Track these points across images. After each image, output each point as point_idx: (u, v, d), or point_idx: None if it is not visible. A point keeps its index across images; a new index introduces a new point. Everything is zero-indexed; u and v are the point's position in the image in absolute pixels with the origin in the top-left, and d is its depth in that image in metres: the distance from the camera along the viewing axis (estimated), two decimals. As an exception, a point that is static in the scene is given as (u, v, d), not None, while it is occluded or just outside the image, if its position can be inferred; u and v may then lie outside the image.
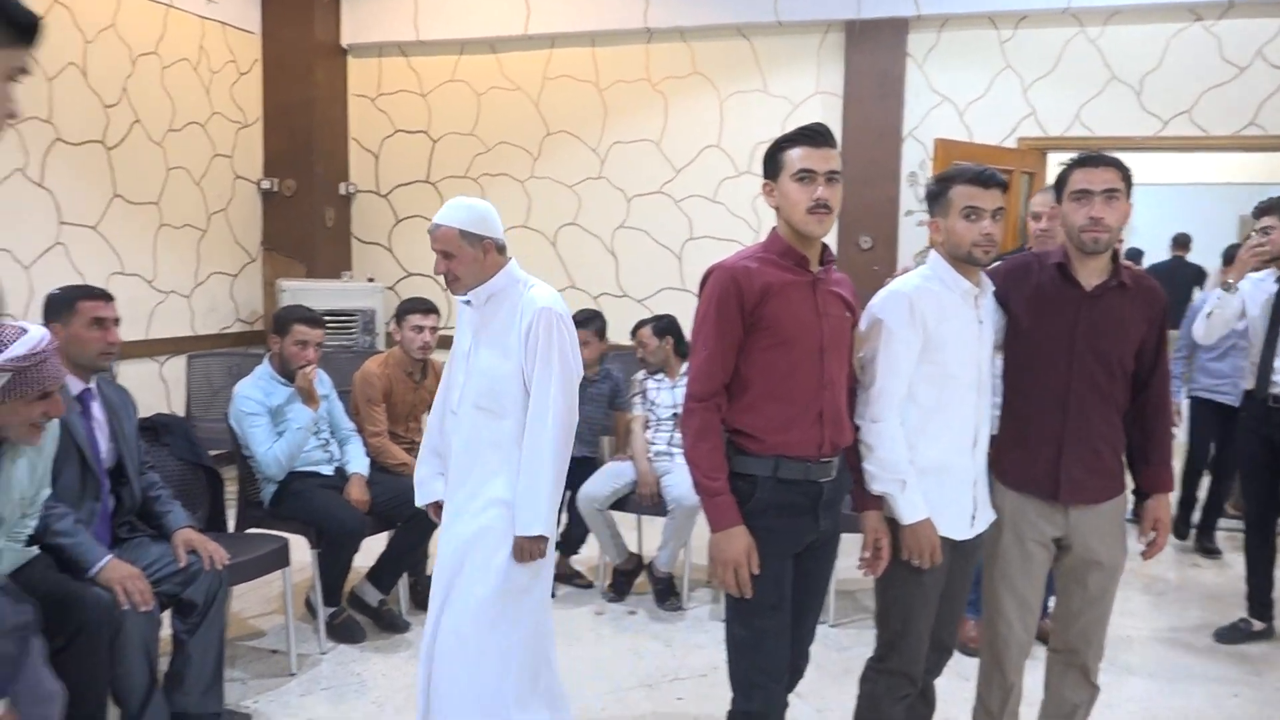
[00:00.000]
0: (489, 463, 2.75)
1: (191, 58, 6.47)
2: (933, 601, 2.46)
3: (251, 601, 4.32)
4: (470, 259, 2.74)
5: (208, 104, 6.63)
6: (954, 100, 6.23)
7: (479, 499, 2.75)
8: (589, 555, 4.71)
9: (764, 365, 2.29)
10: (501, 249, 2.80)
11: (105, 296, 3.08)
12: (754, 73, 6.56)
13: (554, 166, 6.99)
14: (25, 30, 1.38)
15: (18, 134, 5.31)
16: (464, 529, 2.76)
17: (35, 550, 2.67)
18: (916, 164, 6.26)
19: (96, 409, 3.08)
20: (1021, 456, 2.58)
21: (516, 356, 2.72)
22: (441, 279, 2.83)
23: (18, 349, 2.28)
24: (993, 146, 6.03)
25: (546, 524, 2.72)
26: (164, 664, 3.05)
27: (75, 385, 3.00)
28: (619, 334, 6.81)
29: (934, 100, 6.26)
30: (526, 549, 2.70)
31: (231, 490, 3.89)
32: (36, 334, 2.34)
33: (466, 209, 2.77)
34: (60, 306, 3.02)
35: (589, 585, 4.63)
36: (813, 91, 6.45)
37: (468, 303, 2.85)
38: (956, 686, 3.18)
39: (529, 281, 2.82)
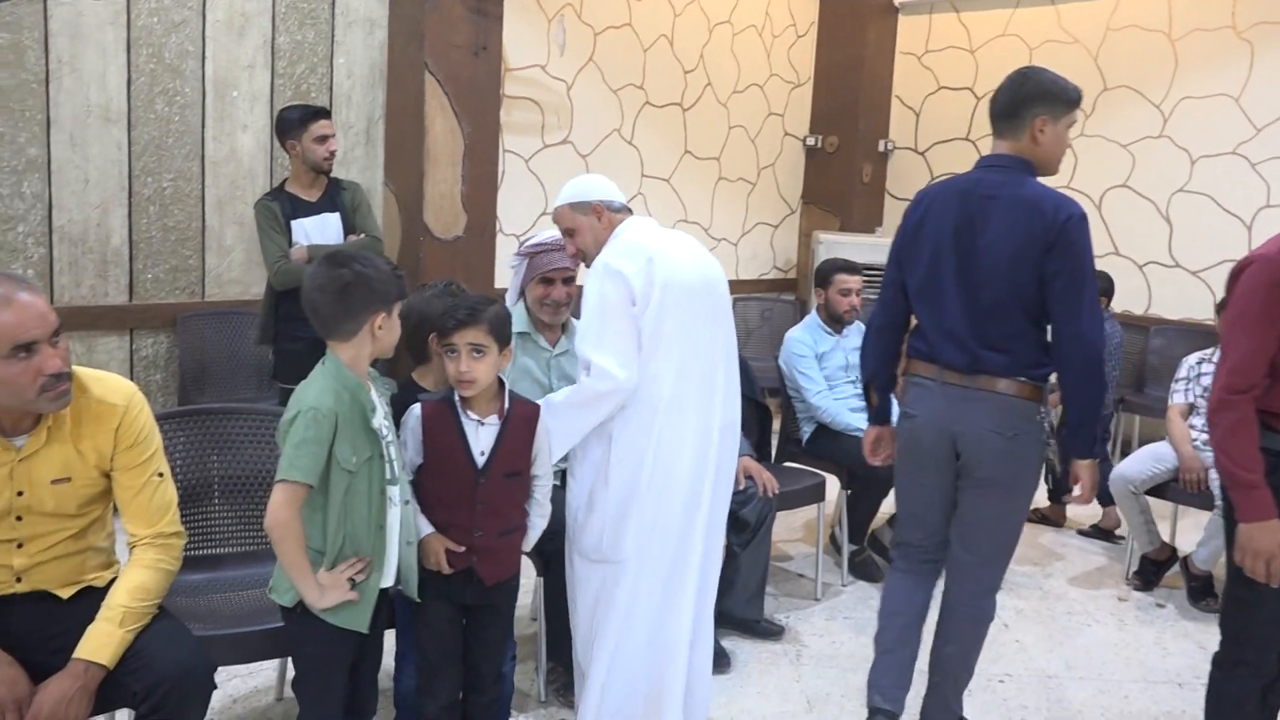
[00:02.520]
0: None
1: (758, 23, 7.03)
2: None
3: (779, 528, 4.77)
4: (586, 228, 2.68)
5: (767, 66, 7.18)
6: None
7: None
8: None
9: None
10: (617, 209, 2.69)
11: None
12: (1376, 14, 5.60)
13: (1107, 124, 6.57)
14: None
15: (617, 99, 6.21)
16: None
17: None
18: None
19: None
20: None
21: None
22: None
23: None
24: None
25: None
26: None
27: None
28: (1170, 308, 6.31)
29: None
30: None
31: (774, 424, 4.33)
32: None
33: (569, 185, 2.74)
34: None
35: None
36: None
37: None
38: None
39: (617, 234, 2.64)
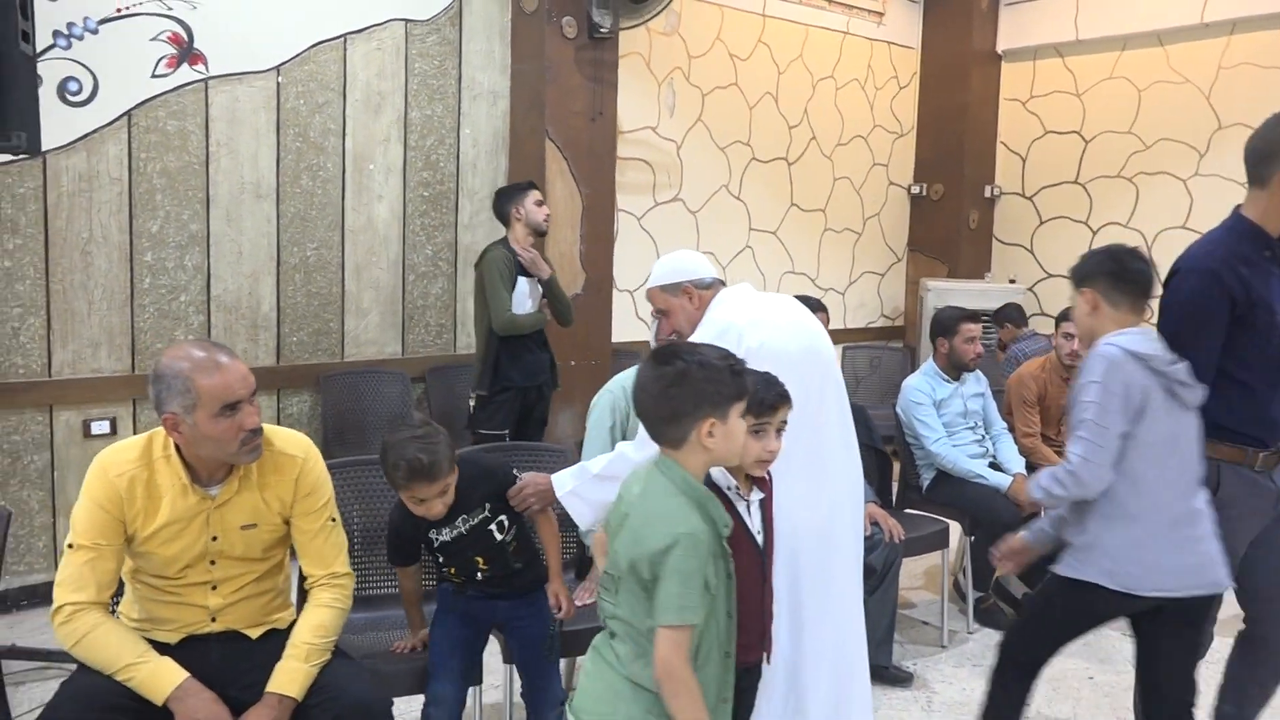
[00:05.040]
0: None
1: (860, 77, 7.16)
2: None
3: (902, 576, 4.77)
4: (679, 309, 2.69)
5: (870, 117, 7.29)
6: None
7: None
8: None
9: None
10: (707, 285, 2.69)
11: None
12: None
13: (1224, 163, 6.47)
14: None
15: (725, 156, 6.40)
16: None
17: None
18: None
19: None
20: None
21: None
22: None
23: None
24: None
25: None
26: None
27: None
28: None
29: None
30: None
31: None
32: None
33: (658, 266, 2.75)
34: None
35: None
36: None
37: None
38: None
39: (710, 311, 2.63)
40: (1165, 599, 2.33)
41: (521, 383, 4.46)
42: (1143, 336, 2.41)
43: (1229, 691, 2.82)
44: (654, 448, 1.97)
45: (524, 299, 4.45)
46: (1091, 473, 2.31)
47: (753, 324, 2.49)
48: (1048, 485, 2.40)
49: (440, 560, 2.64)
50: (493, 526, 2.61)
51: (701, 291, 2.68)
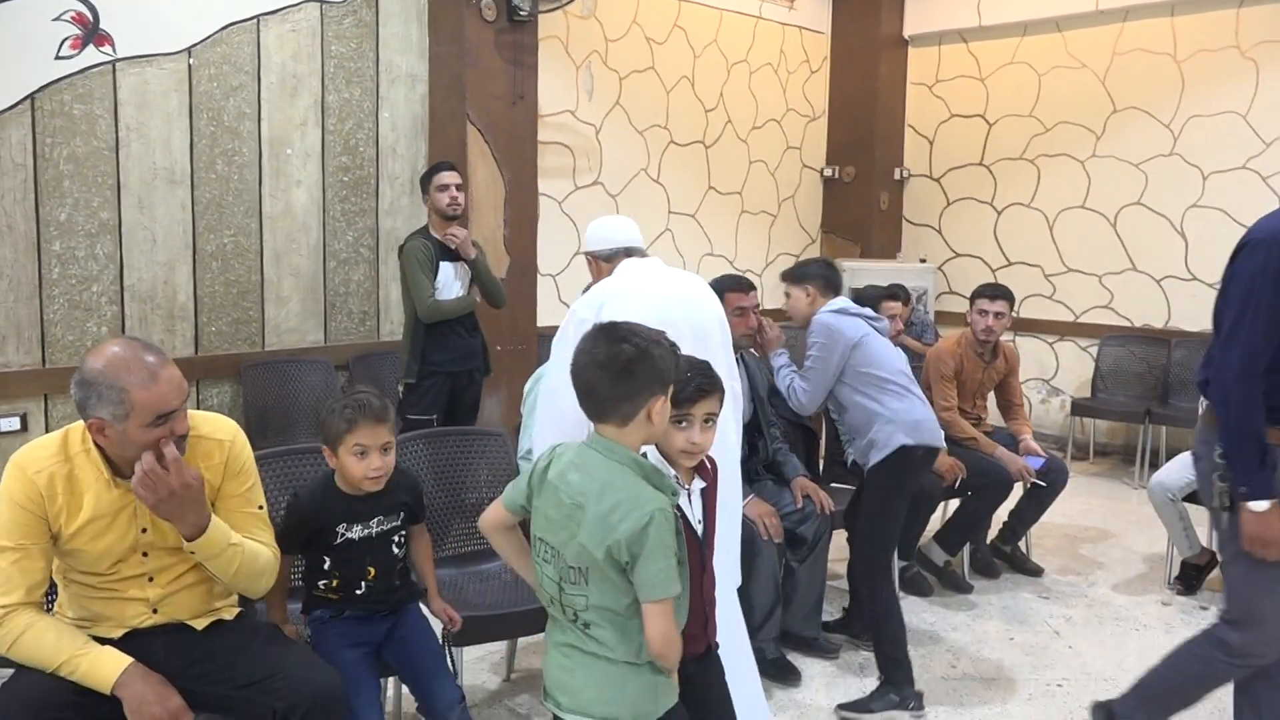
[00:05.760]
0: None
1: (773, 61, 7.26)
2: None
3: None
4: (594, 276, 2.91)
5: (783, 101, 7.40)
6: None
7: None
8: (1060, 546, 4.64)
9: None
10: (605, 257, 2.87)
11: (747, 287, 3.75)
12: (1375, 29, 5.80)
13: (1119, 144, 6.77)
14: None
15: (643, 139, 6.43)
16: None
17: None
18: None
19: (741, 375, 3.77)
20: None
21: None
22: None
23: None
24: None
25: None
26: (780, 586, 3.66)
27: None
28: (1189, 321, 6.47)
29: None
30: None
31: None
32: None
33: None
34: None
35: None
36: None
37: None
38: None
39: (615, 277, 2.76)
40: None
41: (450, 368, 4.44)
42: (842, 301, 3.53)
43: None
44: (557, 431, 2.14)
45: (451, 283, 4.42)
46: (810, 398, 3.49)
47: (618, 295, 2.57)
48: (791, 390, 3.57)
49: (327, 565, 2.49)
50: (396, 538, 2.56)
51: (600, 263, 2.88)
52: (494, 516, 2.14)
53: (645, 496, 1.83)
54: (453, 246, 4.38)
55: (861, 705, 3.25)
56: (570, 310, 2.67)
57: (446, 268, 4.41)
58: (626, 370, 1.84)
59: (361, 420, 2.40)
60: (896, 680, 3.22)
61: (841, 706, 3.29)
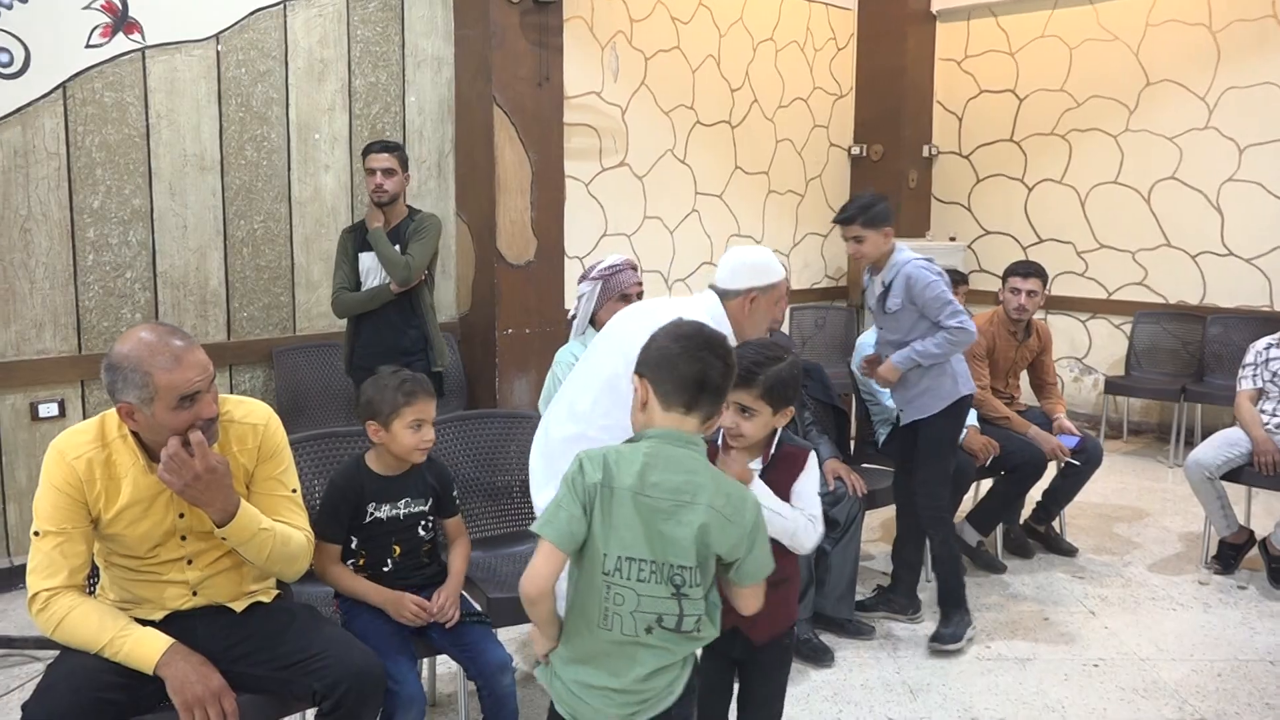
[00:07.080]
0: None
1: (799, 39, 7.19)
2: None
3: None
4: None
5: (810, 79, 7.34)
6: None
7: None
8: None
9: None
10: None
11: None
12: None
13: (1152, 118, 6.66)
14: None
15: (670, 120, 6.40)
16: None
17: None
18: None
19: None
20: None
21: None
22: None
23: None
24: None
25: None
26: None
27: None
28: (1225, 297, 6.37)
29: None
30: None
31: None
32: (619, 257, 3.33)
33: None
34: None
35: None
36: None
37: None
38: None
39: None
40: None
41: (377, 363, 3.73)
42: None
43: None
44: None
45: (376, 271, 4.19)
46: (968, 319, 3.46)
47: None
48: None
49: (355, 543, 2.57)
50: (423, 522, 2.64)
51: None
52: (549, 568, 1.78)
53: (739, 488, 1.87)
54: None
55: (950, 637, 3.55)
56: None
57: (365, 257, 4.20)
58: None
59: (420, 394, 2.56)
60: (964, 607, 3.61)
61: (933, 639, 3.58)
